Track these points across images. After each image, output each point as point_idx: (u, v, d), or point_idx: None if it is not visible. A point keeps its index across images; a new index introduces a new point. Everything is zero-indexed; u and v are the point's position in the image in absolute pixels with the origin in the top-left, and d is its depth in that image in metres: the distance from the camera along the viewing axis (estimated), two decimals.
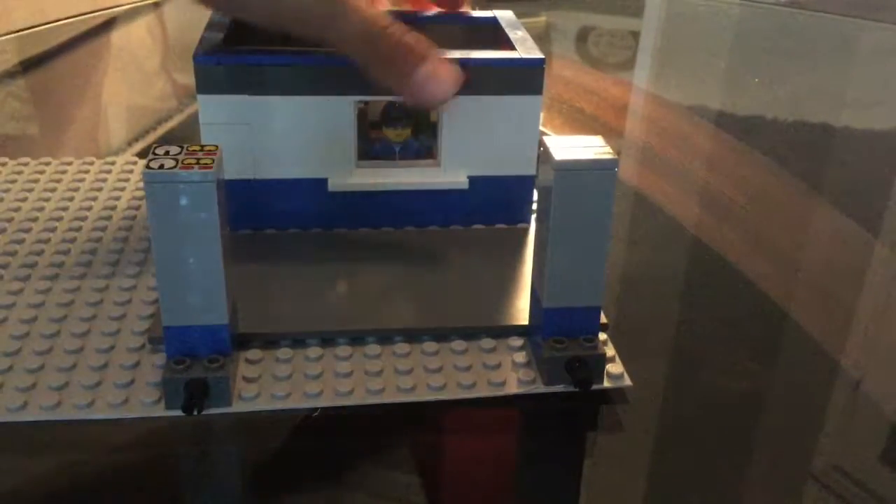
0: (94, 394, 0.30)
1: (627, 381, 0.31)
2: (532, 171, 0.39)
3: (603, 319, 0.33)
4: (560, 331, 0.31)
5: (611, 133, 0.57)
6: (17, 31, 0.68)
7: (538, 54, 0.38)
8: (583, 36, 0.79)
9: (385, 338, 0.33)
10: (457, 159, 0.39)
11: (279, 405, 0.30)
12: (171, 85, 0.60)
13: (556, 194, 0.29)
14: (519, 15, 0.43)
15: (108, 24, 0.70)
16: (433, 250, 0.38)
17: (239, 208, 0.38)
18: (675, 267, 0.42)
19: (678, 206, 0.47)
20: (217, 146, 0.29)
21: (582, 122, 0.58)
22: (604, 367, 0.31)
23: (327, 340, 0.32)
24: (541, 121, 0.39)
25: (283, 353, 0.32)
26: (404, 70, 0.34)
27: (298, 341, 0.32)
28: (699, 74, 0.70)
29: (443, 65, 0.35)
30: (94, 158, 0.46)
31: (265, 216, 0.39)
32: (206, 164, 0.27)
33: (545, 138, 0.30)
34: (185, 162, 0.28)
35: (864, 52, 0.79)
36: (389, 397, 0.30)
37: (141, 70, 0.67)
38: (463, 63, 0.37)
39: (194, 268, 0.28)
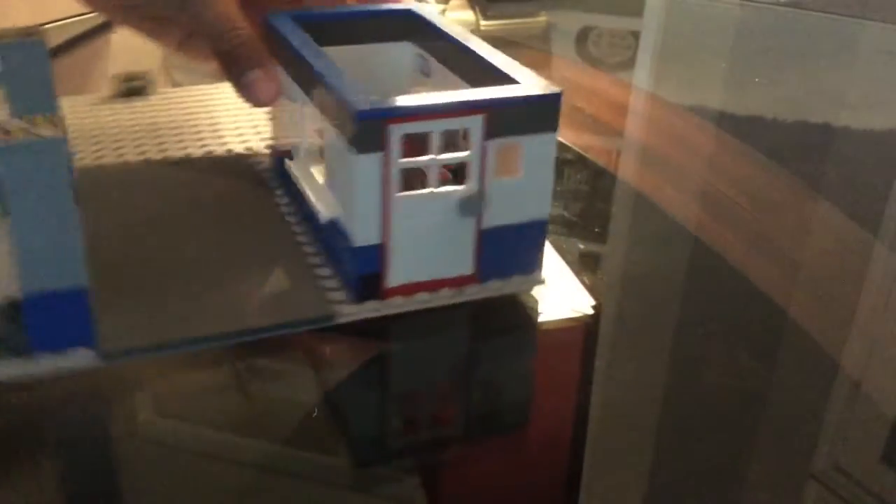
0: None
1: None
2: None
3: None
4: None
5: (611, 133, 0.57)
6: None
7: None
8: (583, 36, 0.79)
9: None
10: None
11: None
12: (172, 84, 0.60)
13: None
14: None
15: (108, 24, 0.70)
16: None
17: None
18: (675, 267, 0.42)
19: (678, 206, 0.47)
20: None
21: (582, 122, 0.58)
22: None
23: None
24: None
25: None
26: (238, 69, 0.38)
27: None
28: (699, 74, 0.70)
29: (272, 75, 0.38)
30: None
31: None
32: None
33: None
34: None
35: (864, 52, 0.79)
36: None
37: (141, 69, 0.67)
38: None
39: None
